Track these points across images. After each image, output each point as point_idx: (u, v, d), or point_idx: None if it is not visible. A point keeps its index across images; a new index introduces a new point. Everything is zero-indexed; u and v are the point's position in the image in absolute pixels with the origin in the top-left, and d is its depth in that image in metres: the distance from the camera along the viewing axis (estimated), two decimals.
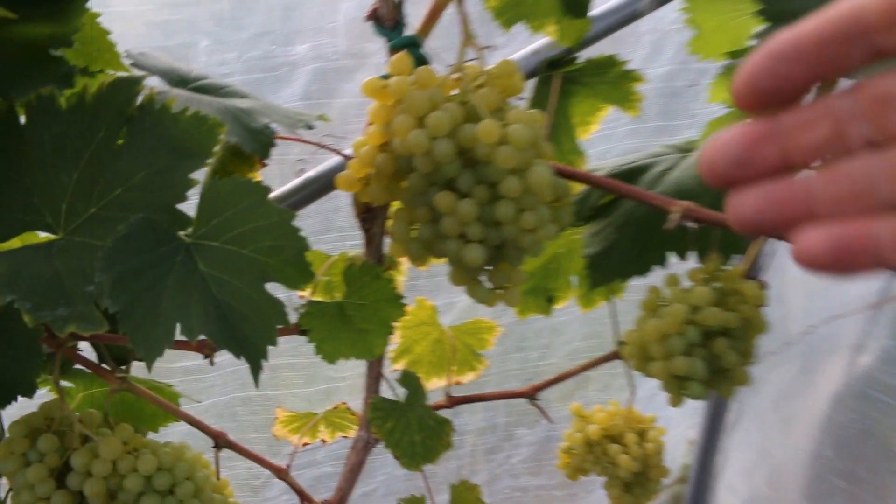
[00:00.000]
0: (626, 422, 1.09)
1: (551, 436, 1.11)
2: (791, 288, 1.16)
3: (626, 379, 0.97)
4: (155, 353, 0.52)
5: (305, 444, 1.05)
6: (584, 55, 0.83)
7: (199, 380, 1.02)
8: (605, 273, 0.84)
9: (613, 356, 1.00)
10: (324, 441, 1.06)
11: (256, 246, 0.57)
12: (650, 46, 1.05)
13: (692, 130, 1.10)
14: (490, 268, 0.66)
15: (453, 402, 0.97)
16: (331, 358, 0.77)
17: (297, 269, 0.56)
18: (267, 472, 1.13)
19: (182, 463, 0.82)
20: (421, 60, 0.68)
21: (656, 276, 0.85)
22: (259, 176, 0.80)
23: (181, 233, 0.57)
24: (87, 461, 0.77)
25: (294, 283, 0.57)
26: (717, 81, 0.91)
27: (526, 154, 0.59)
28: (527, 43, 0.85)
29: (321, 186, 0.87)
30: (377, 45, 0.76)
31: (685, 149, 0.88)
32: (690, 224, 0.70)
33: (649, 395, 1.12)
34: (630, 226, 0.84)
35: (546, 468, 1.22)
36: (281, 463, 0.94)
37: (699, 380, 0.78)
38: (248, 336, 0.56)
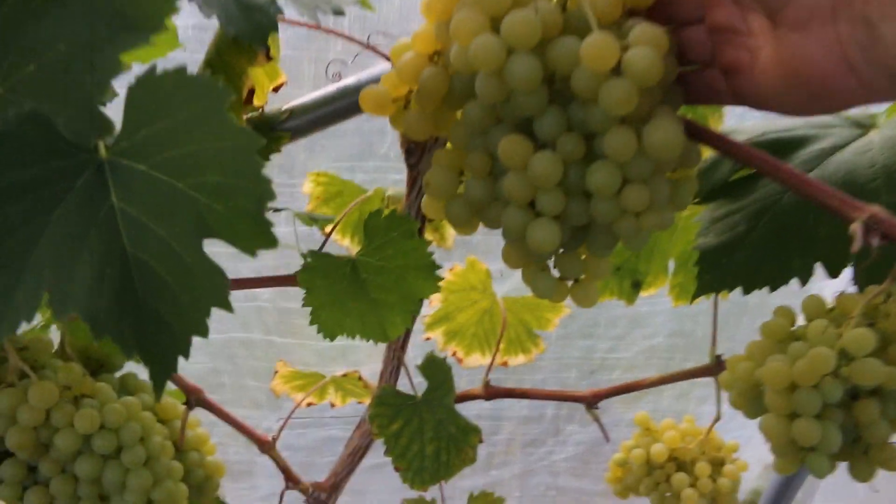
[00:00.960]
0: (701, 446, 0.88)
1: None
2: None
3: (711, 390, 0.75)
4: (5, 328, 0.33)
5: (310, 405, 0.88)
6: None
7: None
8: (724, 275, 0.61)
9: (705, 372, 0.78)
10: (333, 405, 0.89)
11: (199, 179, 0.36)
12: None
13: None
14: (563, 251, 0.45)
15: (490, 393, 0.77)
16: (329, 331, 0.57)
17: (253, 226, 0.36)
18: (265, 423, 0.96)
19: (134, 422, 0.65)
20: None
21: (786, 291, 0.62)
22: (269, 80, 0.59)
23: (96, 143, 0.37)
24: (14, 404, 0.61)
25: (247, 245, 0.36)
26: None
27: (649, 97, 0.37)
28: None
29: None
30: None
31: (863, 123, 0.64)
32: (876, 240, 0.46)
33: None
34: (769, 217, 0.62)
35: (593, 471, 1.02)
36: (275, 428, 0.77)
37: (829, 453, 0.55)
38: (166, 322, 0.36)
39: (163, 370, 0.36)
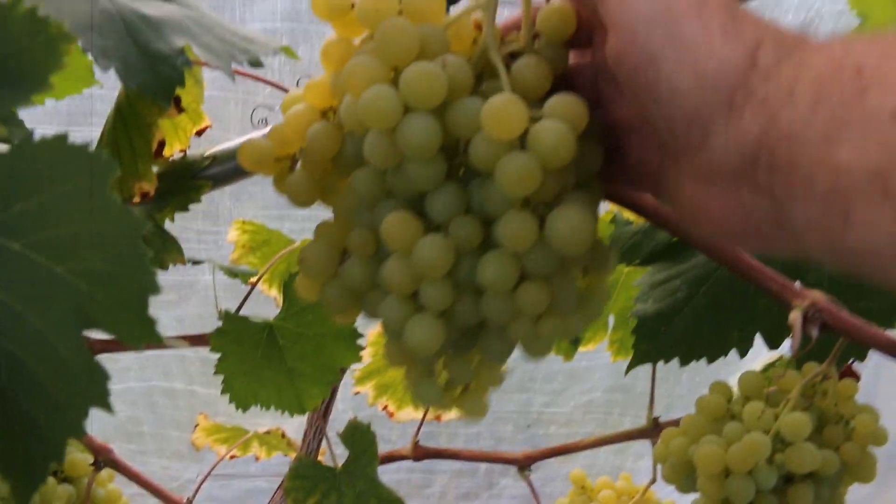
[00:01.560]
0: None
1: (542, 492, 0.88)
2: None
3: (649, 446, 0.73)
4: None
5: (233, 457, 0.84)
6: None
7: (111, 359, 0.80)
8: (661, 346, 0.60)
9: (641, 434, 0.76)
10: (258, 458, 0.84)
11: (80, 265, 0.32)
12: (793, 26, 0.77)
13: None
14: (451, 352, 0.39)
15: (420, 454, 0.74)
16: (242, 402, 0.54)
17: (136, 319, 0.32)
18: (186, 474, 0.91)
19: None
20: None
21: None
22: (192, 124, 0.55)
23: None
24: None
25: (130, 338, 0.32)
26: None
27: (558, 179, 0.33)
28: None
29: None
30: None
31: None
32: (815, 332, 0.44)
33: None
34: (709, 285, 0.61)
35: None
36: (196, 479, 0.72)
37: None
38: (37, 423, 0.32)
39: (30, 481, 0.32)
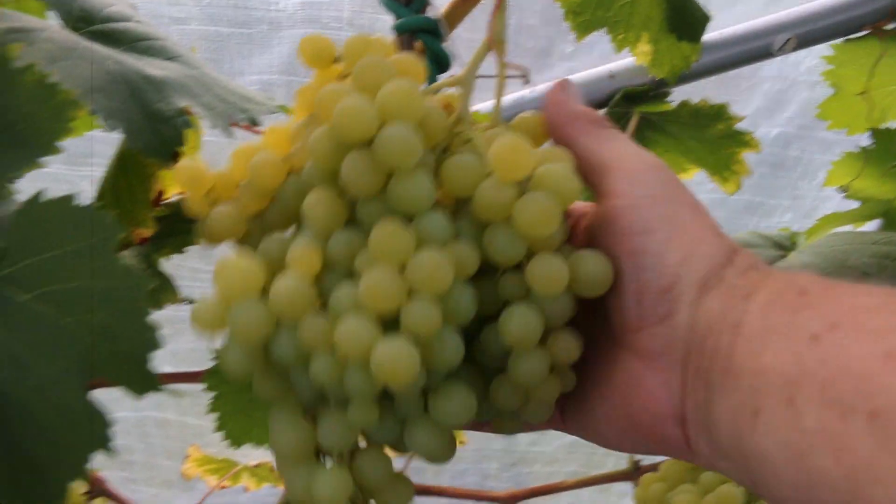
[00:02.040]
0: None
1: None
2: None
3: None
4: None
5: (224, 487, 0.85)
6: (678, 95, 0.58)
7: (106, 390, 0.81)
8: None
9: (623, 477, 0.77)
10: (247, 488, 0.85)
11: (86, 318, 0.34)
12: (769, 97, 0.79)
13: (791, 215, 0.84)
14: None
15: None
16: (235, 440, 0.55)
17: (138, 372, 0.34)
18: (176, 503, 0.92)
19: None
20: (437, 57, 0.45)
21: None
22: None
23: None
24: None
25: (133, 388, 0.34)
26: (841, 161, 0.66)
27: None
28: (602, 60, 0.61)
29: None
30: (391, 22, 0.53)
31: (782, 244, 0.64)
32: None
33: None
34: None
35: None
36: None
37: None
38: (40, 467, 0.34)
39: None
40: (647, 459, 0.76)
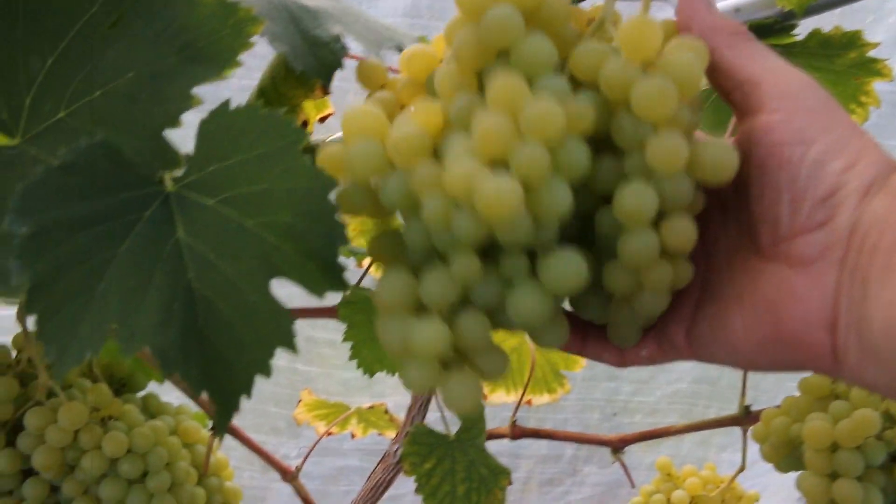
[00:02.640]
0: (722, 495, 0.87)
1: (624, 480, 0.90)
2: None
3: (731, 438, 0.74)
4: (69, 360, 0.33)
5: (330, 434, 0.87)
6: (807, 26, 0.58)
7: None
8: None
9: (733, 422, 0.77)
10: (353, 435, 0.88)
11: (269, 219, 0.36)
12: (893, 32, 0.78)
13: None
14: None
15: (518, 433, 0.77)
16: (369, 368, 0.57)
17: (323, 269, 0.35)
18: (283, 449, 0.95)
19: (161, 447, 0.64)
20: None
21: None
22: (316, 110, 0.59)
23: (162, 175, 0.37)
24: (43, 424, 0.60)
25: (315, 287, 0.36)
26: None
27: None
28: None
29: None
30: None
31: None
32: None
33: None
34: None
35: None
36: (293, 456, 0.76)
37: None
38: (228, 361, 0.36)
39: (226, 410, 0.36)
40: (756, 406, 0.76)
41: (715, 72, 0.35)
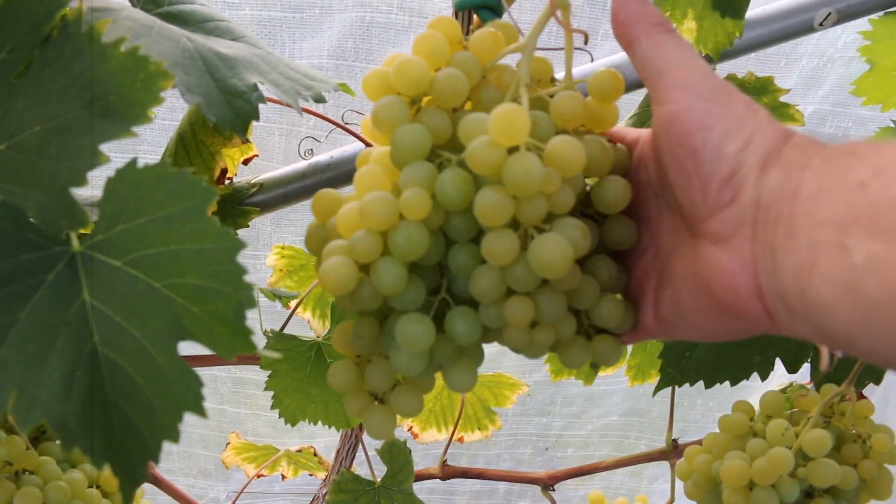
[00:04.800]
0: None
1: None
2: None
3: (663, 469, 0.75)
4: None
5: (260, 476, 0.86)
6: (722, 70, 0.59)
7: None
8: (686, 370, 0.62)
9: (661, 456, 0.79)
10: (284, 477, 0.86)
11: (177, 280, 0.35)
12: (805, 75, 0.81)
13: None
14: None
15: (448, 473, 0.76)
16: (291, 417, 0.56)
17: (231, 331, 0.35)
18: (212, 493, 0.93)
19: (77, 501, 0.62)
20: None
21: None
22: (239, 153, 0.58)
23: (68, 234, 0.36)
24: None
25: (224, 349, 0.35)
26: (876, 137, 0.68)
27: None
28: None
29: (334, 177, 0.64)
30: (443, 4, 0.54)
31: None
32: (840, 353, 0.47)
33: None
34: None
35: None
36: (223, 499, 0.74)
37: None
38: (136, 427, 0.35)
39: (132, 479, 0.35)
40: (683, 439, 0.78)
41: (634, 61, 0.37)
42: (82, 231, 0.37)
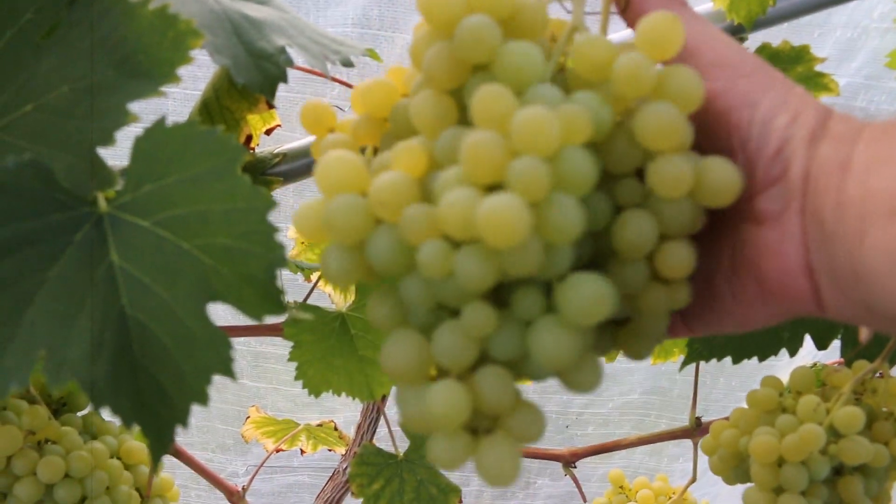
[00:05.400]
0: None
1: (577, 492, 0.90)
2: None
3: (684, 448, 0.75)
4: None
5: (279, 451, 0.86)
6: (753, 42, 0.58)
7: None
8: (714, 344, 0.61)
9: (684, 434, 0.78)
10: (303, 452, 0.86)
11: (207, 241, 0.35)
12: (838, 47, 0.79)
13: None
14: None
15: None
16: (314, 388, 0.56)
17: (261, 292, 0.34)
18: (231, 467, 0.93)
19: (100, 471, 0.62)
20: None
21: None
22: (262, 122, 0.58)
23: (96, 195, 0.36)
24: None
25: (253, 310, 0.35)
26: None
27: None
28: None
29: None
30: None
31: None
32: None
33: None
34: None
35: None
36: (241, 473, 0.74)
37: None
38: (164, 389, 0.34)
39: (161, 442, 0.34)
40: (705, 418, 0.77)
41: None
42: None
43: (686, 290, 0.34)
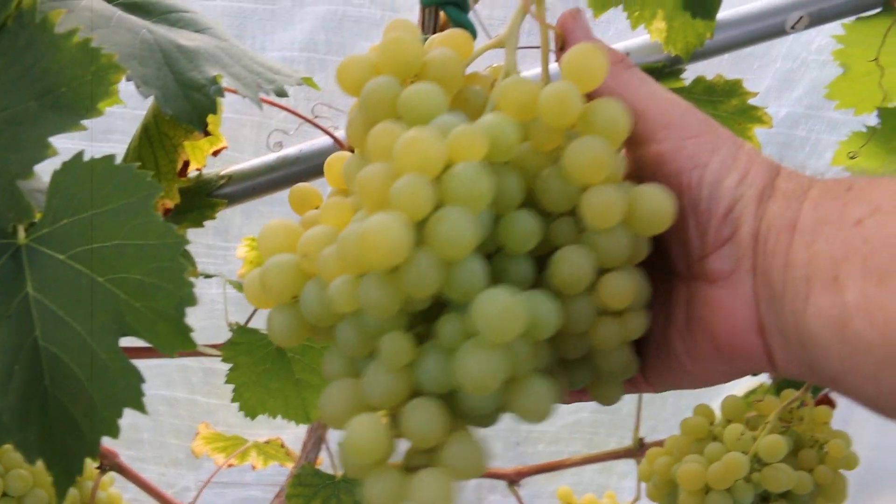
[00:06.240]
0: None
1: None
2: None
3: (633, 466, 0.76)
4: None
5: (230, 466, 0.86)
6: (691, 73, 0.59)
7: None
8: None
9: (627, 454, 0.79)
10: (254, 467, 0.87)
11: (120, 276, 0.35)
12: (779, 77, 0.81)
13: None
14: None
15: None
16: (250, 411, 0.56)
17: (173, 328, 0.35)
18: (182, 481, 0.93)
19: (39, 489, 0.62)
20: (462, 28, 0.46)
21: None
22: (209, 144, 0.58)
23: (15, 227, 0.36)
24: None
25: (165, 345, 0.35)
26: (848, 141, 0.68)
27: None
28: (618, 38, 0.62)
29: (303, 170, 0.64)
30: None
31: None
32: None
33: None
34: None
35: None
36: (193, 488, 0.74)
37: None
38: (75, 421, 0.35)
39: (68, 474, 0.35)
40: (650, 438, 0.78)
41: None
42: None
43: (638, 319, 0.34)
